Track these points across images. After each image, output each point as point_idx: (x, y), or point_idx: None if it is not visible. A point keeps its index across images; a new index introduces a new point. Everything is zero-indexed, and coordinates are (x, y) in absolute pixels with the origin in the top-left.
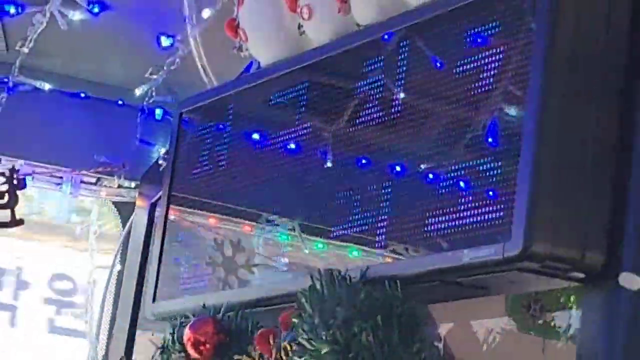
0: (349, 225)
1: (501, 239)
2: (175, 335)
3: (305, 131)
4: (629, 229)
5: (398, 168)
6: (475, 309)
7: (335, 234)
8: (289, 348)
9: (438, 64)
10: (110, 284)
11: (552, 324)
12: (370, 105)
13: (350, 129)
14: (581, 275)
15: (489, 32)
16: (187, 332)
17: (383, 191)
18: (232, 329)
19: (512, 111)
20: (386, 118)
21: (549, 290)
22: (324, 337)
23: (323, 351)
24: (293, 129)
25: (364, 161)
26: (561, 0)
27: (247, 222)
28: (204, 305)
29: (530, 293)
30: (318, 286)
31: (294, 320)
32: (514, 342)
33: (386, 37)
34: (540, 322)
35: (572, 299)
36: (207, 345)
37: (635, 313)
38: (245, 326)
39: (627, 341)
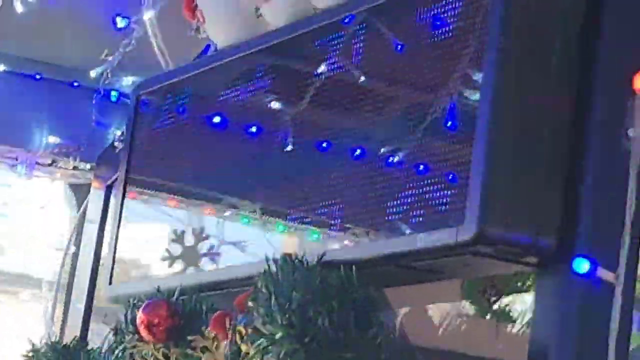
0: (309, 208)
1: (454, 223)
2: (129, 317)
3: (264, 114)
4: (582, 214)
5: (358, 151)
6: (431, 293)
7: (294, 216)
8: (244, 332)
9: (397, 47)
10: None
11: (507, 308)
12: (330, 88)
13: (310, 113)
14: (534, 260)
15: (448, 15)
16: (140, 315)
17: (342, 174)
18: (186, 312)
19: (469, 95)
20: (345, 101)
21: (504, 275)
22: (279, 321)
23: (278, 335)
24: (252, 112)
25: (324, 144)
26: None
27: (208, 204)
28: (158, 288)
29: (486, 277)
30: (274, 270)
31: (250, 304)
32: (469, 326)
33: (345, 20)
34: (496, 307)
35: (527, 283)
36: (160, 328)
37: (587, 298)
38: (199, 309)
39: (579, 325)
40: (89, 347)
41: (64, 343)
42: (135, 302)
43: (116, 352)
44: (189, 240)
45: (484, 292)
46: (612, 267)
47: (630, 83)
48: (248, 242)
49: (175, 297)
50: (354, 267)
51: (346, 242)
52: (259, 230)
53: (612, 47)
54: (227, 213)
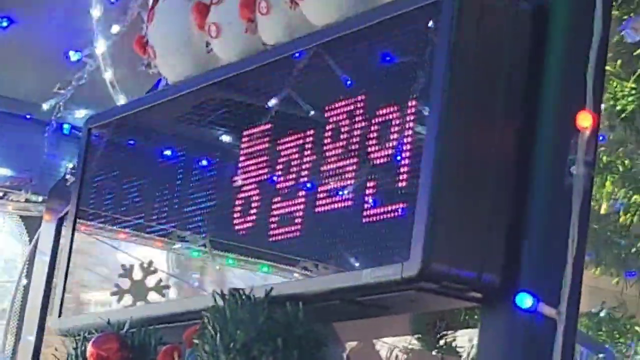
0: (258, 241)
1: (400, 259)
2: (79, 350)
3: (213, 148)
4: (525, 251)
5: (307, 185)
6: (381, 327)
7: (244, 250)
8: None
9: (345, 82)
10: (16, 298)
11: (454, 344)
12: (278, 122)
13: (259, 146)
14: (478, 295)
15: (393, 51)
16: (90, 348)
17: (291, 208)
18: (136, 345)
19: (415, 131)
20: (294, 135)
21: (452, 310)
22: None
23: None
24: (202, 146)
25: (274, 178)
26: (462, 22)
27: (157, 238)
28: (108, 321)
29: (434, 312)
30: (221, 306)
31: (196, 340)
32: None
33: (296, 55)
34: (442, 342)
35: (475, 318)
36: None
37: (530, 333)
38: (148, 342)
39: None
40: None
41: None
42: (85, 335)
43: None
44: (137, 274)
45: (434, 326)
46: (555, 303)
47: (574, 121)
48: (197, 275)
49: (124, 330)
50: (300, 303)
51: (296, 274)
52: (208, 264)
53: (556, 86)
54: (177, 246)
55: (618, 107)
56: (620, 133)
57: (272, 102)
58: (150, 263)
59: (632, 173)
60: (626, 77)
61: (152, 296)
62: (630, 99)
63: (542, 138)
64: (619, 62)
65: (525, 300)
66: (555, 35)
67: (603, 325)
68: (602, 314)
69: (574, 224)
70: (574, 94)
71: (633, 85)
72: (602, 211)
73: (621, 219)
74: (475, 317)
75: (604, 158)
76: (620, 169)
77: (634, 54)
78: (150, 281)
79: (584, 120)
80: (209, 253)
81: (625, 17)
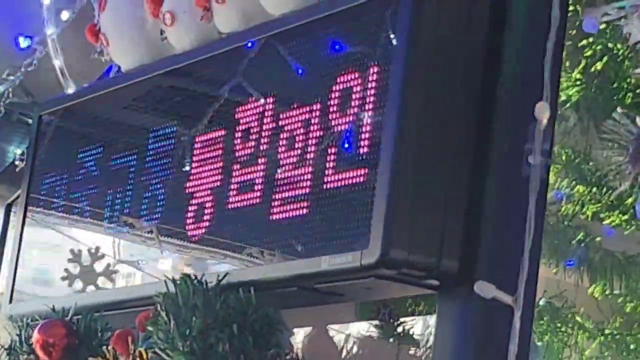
0: (208, 229)
1: (359, 246)
2: (23, 337)
3: (164, 135)
4: (484, 237)
5: (263, 172)
6: (327, 314)
7: (193, 237)
8: (145, 355)
9: (299, 72)
10: None
11: (411, 331)
12: (230, 111)
13: (211, 135)
14: (436, 283)
15: (349, 40)
16: (35, 334)
17: (247, 196)
18: (81, 331)
19: (372, 119)
20: (247, 124)
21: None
22: (180, 348)
23: None
24: (152, 134)
25: (222, 165)
26: (421, 11)
27: (105, 224)
28: (53, 308)
29: (379, 300)
30: (173, 292)
31: (149, 327)
32: (371, 349)
33: (249, 44)
34: (400, 329)
35: (421, 305)
36: (57, 347)
37: (487, 321)
38: (94, 328)
39: (479, 347)
40: None
41: None
42: (29, 321)
43: None
44: (86, 259)
45: (378, 313)
46: (512, 290)
47: (532, 110)
48: (144, 260)
49: (69, 316)
50: (252, 289)
51: (245, 262)
52: (155, 250)
53: (514, 75)
54: (124, 232)
55: (563, 98)
56: (564, 124)
57: (225, 91)
58: (98, 248)
59: (576, 163)
60: (571, 67)
61: (101, 281)
62: (575, 89)
63: (499, 127)
64: (564, 53)
65: (482, 288)
66: (513, 24)
67: (544, 314)
68: (541, 303)
69: (531, 211)
70: (531, 83)
71: (578, 76)
72: None
73: (563, 209)
74: (421, 305)
75: None
76: (564, 158)
77: (579, 45)
78: (99, 266)
79: (541, 109)
80: (157, 240)
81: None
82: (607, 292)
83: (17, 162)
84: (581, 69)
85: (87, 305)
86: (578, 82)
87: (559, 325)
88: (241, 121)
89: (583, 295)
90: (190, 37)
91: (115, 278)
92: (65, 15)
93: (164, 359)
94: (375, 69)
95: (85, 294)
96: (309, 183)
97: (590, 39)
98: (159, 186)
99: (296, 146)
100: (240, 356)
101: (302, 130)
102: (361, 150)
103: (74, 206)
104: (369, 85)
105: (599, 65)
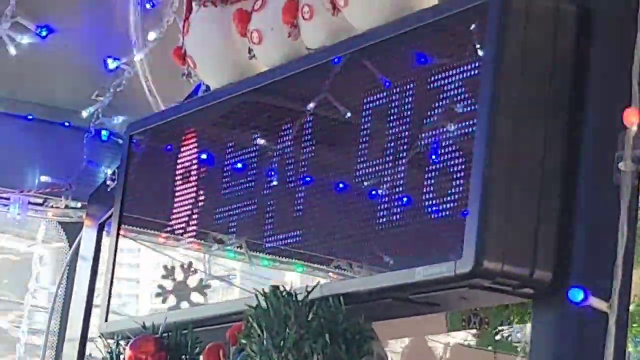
0: (296, 242)
1: (453, 256)
2: (114, 355)
3: (252, 151)
4: (577, 245)
5: (359, 188)
6: (419, 325)
7: (282, 251)
8: None
9: (386, 85)
10: (57, 304)
11: (509, 339)
12: (319, 125)
13: (300, 150)
14: (530, 291)
15: (436, 54)
16: (127, 351)
17: (338, 210)
18: (172, 347)
19: (465, 131)
20: (336, 139)
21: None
22: (275, 359)
23: None
24: (240, 150)
25: (310, 180)
26: (509, 24)
27: (196, 241)
28: (143, 325)
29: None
30: (264, 305)
31: (243, 340)
32: (467, 356)
33: (335, 60)
34: (499, 337)
35: (513, 312)
36: None
37: (582, 328)
38: (185, 343)
39: (575, 353)
40: None
41: None
42: (119, 339)
43: None
44: (179, 275)
45: (469, 322)
46: (606, 297)
47: (621, 118)
48: (235, 275)
49: (160, 332)
50: (341, 299)
51: (331, 275)
52: (245, 265)
53: (602, 83)
54: (214, 248)
55: None
56: None
57: (312, 105)
58: (190, 264)
59: None
60: None
61: (195, 296)
62: None
63: (589, 135)
64: None
65: (577, 295)
66: (599, 31)
67: (636, 318)
68: (632, 308)
69: (622, 217)
70: (619, 91)
71: None
72: None
73: None
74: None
75: None
76: None
77: None
78: (192, 282)
79: (630, 116)
80: (246, 254)
81: None
82: None
83: (108, 182)
84: None
85: (177, 322)
86: None
87: None
88: (329, 136)
89: None
90: (278, 54)
91: (208, 293)
92: (152, 35)
93: None
94: (465, 81)
95: (174, 311)
96: (402, 195)
97: None
98: (247, 201)
99: (388, 159)
100: None
101: (392, 144)
102: (454, 162)
103: (166, 224)
104: (459, 98)
105: None
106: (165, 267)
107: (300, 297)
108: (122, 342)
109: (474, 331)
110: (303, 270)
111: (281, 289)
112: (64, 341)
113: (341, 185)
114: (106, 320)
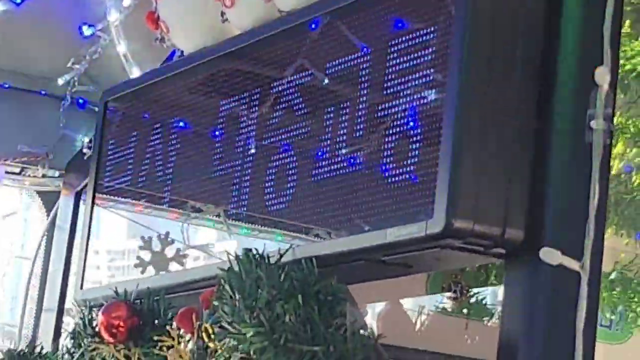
0: (273, 210)
1: (424, 217)
2: (86, 320)
3: (228, 118)
4: (548, 205)
5: (326, 151)
6: (398, 289)
7: (258, 219)
8: (210, 330)
9: (361, 49)
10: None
11: (484, 302)
12: (293, 91)
13: (275, 115)
14: (502, 251)
15: (410, 16)
16: (100, 317)
17: (308, 176)
18: (145, 312)
19: (434, 92)
20: (310, 104)
21: (466, 270)
22: (247, 320)
23: (248, 334)
24: (217, 116)
25: (287, 147)
26: None
27: (173, 210)
28: (116, 291)
29: (449, 274)
30: (236, 268)
31: (215, 302)
32: (439, 320)
33: (311, 24)
34: (473, 300)
35: (493, 275)
36: (121, 329)
37: (554, 287)
38: (157, 309)
39: (548, 313)
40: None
41: (21, 349)
42: (91, 305)
43: (75, 356)
44: (157, 245)
45: (449, 290)
46: (578, 256)
47: (592, 76)
48: (213, 244)
49: (132, 298)
50: (314, 260)
51: (310, 239)
52: (223, 234)
53: (573, 41)
54: (192, 217)
55: (628, 67)
56: (631, 94)
57: (287, 71)
58: (167, 234)
59: None
60: (635, 36)
61: (173, 266)
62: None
63: (560, 93)
64: (627, 21)
65: (549, 254)
66: None
67: (616, 285)
68: (614, 275)
69: (594, 177)
70: (591, 49)
71: None
72: (613, 171)
73: (634, 179)
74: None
75: (615, 119)
76: (632, 129)
77: None
78: (169, 252)
79: (602, 74)
80: (224, 223)
81: None
82: None
83: (85, 150)
84: None
85: (151, 288)
86: None
87: (632, 296)
88: (303, 101)
89: None
90: (251, 17)
91: (186, 263)
92: (127, 1)
93: (231, 332)
94: (436, 42)
95: (148, 278)
96: (372, 157)
97: None
98: (224, 169)
99: (358, 121)
100: (307, 326)
101: (364, 106)
102: (424, 122)
103: (142, 192)
104: (431, 60)
105: None
106: (142, 237)
107: (273, 260)
108: (95, 309)
109: (448, 294)
110: (282, 239)
111: (253, 251)
112: (41, 310)
113: (316, 151)
114: (81, 288)
